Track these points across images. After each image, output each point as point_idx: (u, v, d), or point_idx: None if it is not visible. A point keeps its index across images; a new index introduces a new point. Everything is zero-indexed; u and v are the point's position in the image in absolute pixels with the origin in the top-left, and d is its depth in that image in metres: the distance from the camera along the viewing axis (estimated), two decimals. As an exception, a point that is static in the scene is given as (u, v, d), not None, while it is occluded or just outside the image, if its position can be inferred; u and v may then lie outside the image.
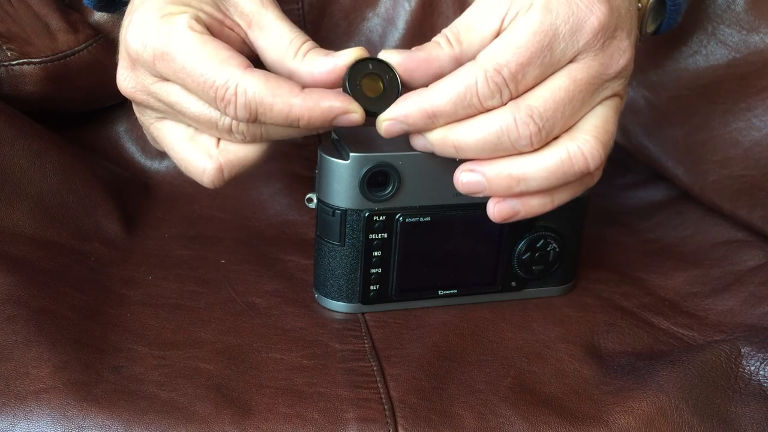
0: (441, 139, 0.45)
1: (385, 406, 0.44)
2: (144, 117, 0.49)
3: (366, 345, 0.49)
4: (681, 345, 0.51)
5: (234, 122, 0.45)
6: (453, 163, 0.49)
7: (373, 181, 0.49)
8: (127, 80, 0.47)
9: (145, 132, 0.52)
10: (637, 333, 0.52)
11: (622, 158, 0.68)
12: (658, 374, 0.47)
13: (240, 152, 0.47)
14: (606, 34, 0.44)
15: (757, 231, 0.59)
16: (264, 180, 0.65)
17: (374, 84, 0.45)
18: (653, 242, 0.62)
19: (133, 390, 0.43)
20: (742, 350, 0.48)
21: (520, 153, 0.45)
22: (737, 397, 0.46)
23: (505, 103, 0.44)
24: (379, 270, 0.51)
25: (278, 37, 0.47)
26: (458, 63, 0.45)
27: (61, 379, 0.43)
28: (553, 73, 0.44)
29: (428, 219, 0.50)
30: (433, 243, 0.51)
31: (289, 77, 0.45)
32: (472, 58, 0.44)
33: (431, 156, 0.48)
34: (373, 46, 0.66)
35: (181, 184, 0.65)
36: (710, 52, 0.59)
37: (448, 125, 0.45)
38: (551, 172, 0.45)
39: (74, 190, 0.58)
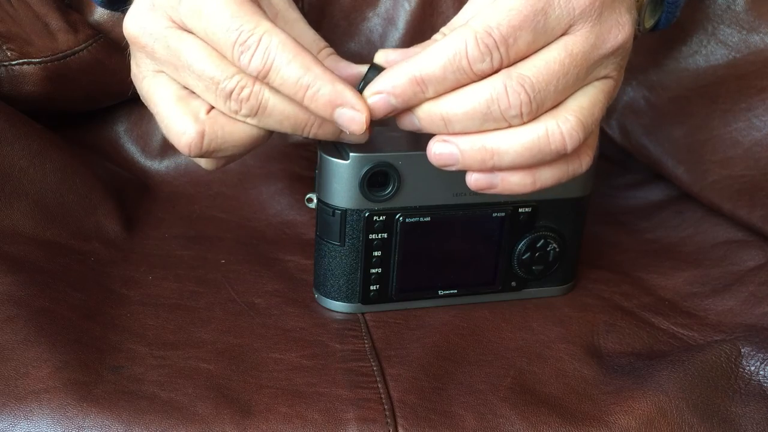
0: (428, 113, 0.43)
1: (385, 406, 0.44)
2: (140, 68, 0.47)
3: (366, 345, 0.49)
4: (681, 345, 0.51)
5: (237, 88, 0.43)
6: None
7: (373, 181, 0.49)
8: (137, 21, 0.45)
9: (136, 87, 0.49)
10: (637, 333, 0.52)
11: (622, 158, 0.68)
12: (658, 374, 0.47)
13: (227, 126, 0.45)
14: (602, 4, 0.43)
15: (757, 231, 0.58)
16: (264, 180, 0.65)
17: None
18: (653, 242, 0.62)
19: (133, 390, 0.43)
20: (742, 350, 0.48)
21: (509, 127, 0.43)
22: (737, 397, 0.46)
23: (497, 70, 0.42)
24: (379, 270, 0.51)
25: (301, 34, 0.47)
26: None
27: (61, 379, 0.43)
28: (547, 45, 0.43)
29: (428, 219, 0.50)
30: (433, 243, 0.51)
31: None
32: None
33: None
34: (373, 46, 0.66)
35: (181, 184, 0.65)
36: (710, 52, 0.59)
37: (435, 99, 0.43)
38: (526, 147, 0.43)
39: (74, 190, 0.58)
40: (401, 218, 0.50)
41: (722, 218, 0.61)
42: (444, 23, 0.65)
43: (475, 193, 0.50)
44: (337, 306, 0.52)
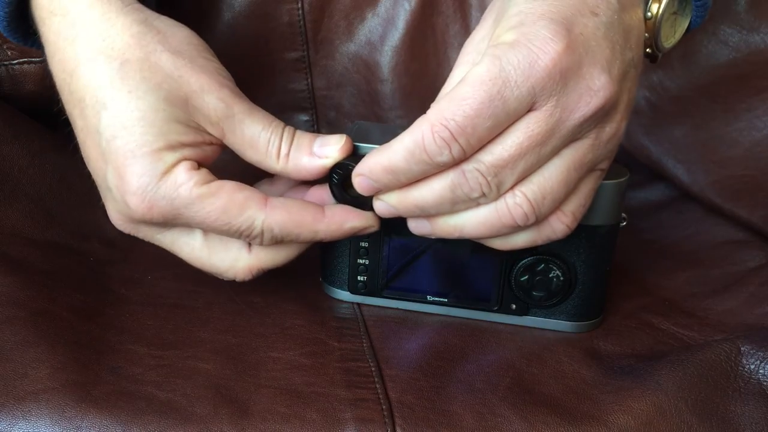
0: (402, 201, 0.45)
1: (383, 406, 0.44)
2: (140, 234, 0.48)
3: (364, 344, 0.49)
4: (681, 345, 0.51)
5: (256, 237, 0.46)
6: None
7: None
8: (124, 227, 0.48)
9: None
10: (636, 334, 0.52)
11: (622, 158, 0.68)
12: (658, 374, 0.47)
13: (270, 253, 0.48)
14: (566, 74, 0.40)
15: (757, 231, 0.58)
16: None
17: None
18: (653, 242, 0.62)
19: (132, 390, 0.43)
20: (741, 349, 0.48)
21: (479, 205, 0.44)
22: (736, 396, 0.46)
23: (461, 159, 0.42)
24: (366, 262, 0.52)
25: (252, 140, 0.46)
26: None
27: (60, 379, 0.43)
28: (511, 125, 0.42)
29: None
30: (421, 244, 0.51)
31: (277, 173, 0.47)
32: None
33: None
34: (373, 46, 0.66)
35: (180, 184, 0.65)
36: (711, 52, 0.59)
37: (407, 187, 0.44)
38: (483, 223, 0.44)
39: (74, 190, 0.58)
40: None
41: (722, 218, 0.61)
42: (444, 23, 0.65)
43: None
44: (331, 291, 0.53)
